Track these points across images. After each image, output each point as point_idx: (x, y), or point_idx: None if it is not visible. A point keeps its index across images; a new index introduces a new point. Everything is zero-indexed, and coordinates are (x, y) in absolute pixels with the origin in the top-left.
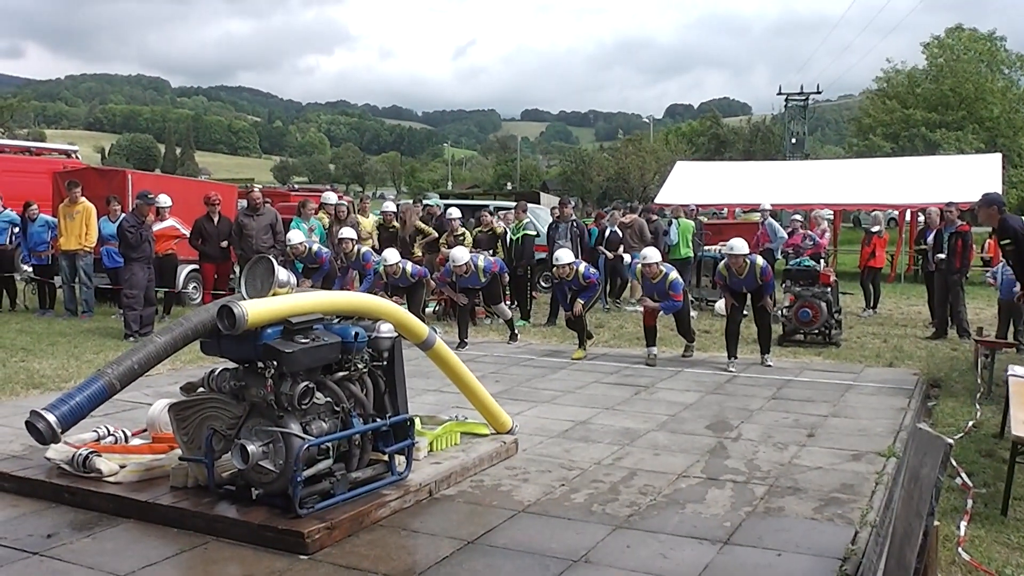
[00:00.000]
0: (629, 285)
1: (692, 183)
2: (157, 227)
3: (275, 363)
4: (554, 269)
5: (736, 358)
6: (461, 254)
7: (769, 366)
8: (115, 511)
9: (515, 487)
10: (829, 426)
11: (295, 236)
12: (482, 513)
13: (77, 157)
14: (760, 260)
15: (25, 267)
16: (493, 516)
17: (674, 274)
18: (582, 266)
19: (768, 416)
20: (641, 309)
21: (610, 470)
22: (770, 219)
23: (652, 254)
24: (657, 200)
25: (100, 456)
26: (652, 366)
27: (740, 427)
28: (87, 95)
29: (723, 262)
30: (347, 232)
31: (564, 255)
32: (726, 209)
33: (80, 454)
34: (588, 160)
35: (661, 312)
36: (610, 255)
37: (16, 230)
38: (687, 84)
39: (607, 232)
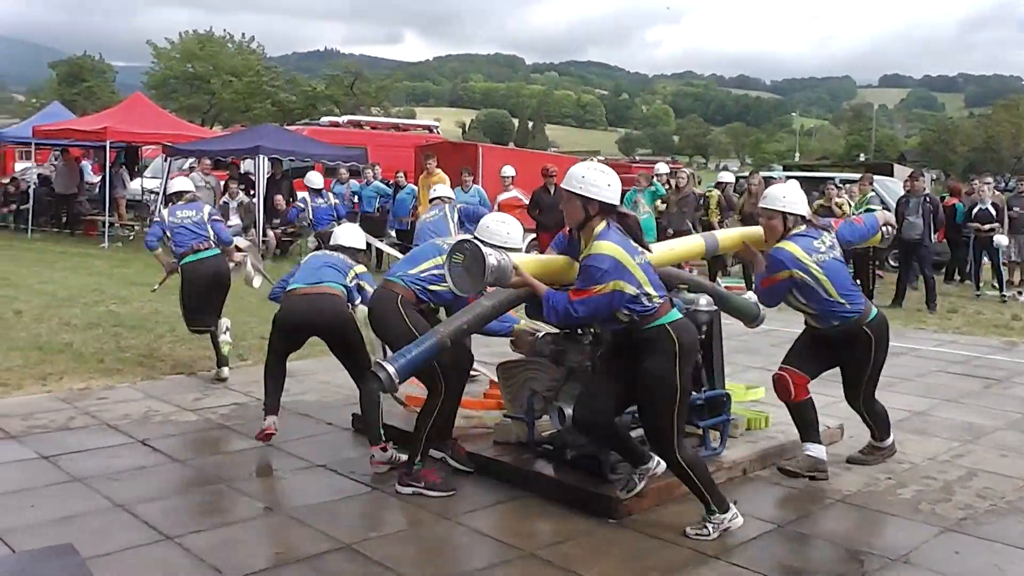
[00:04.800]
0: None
1: None
2: (501, 197)
3: (592, 331)
4: None
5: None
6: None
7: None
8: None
9: (835, 475)
10: None
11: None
12: (796, 498)
13: (438, 132)
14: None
15: (390, 232)
16: (808, 502)
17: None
18: None
19: None
20: None
21: (945, 467)
22: None
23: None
24: None
25: None
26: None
27: None
28: (451, 74)
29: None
30: None
31: None
32: None
33: None
34: (952, 129)
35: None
36: (983, 229)
37: (382, 200)
38: None
39: (976, 209)
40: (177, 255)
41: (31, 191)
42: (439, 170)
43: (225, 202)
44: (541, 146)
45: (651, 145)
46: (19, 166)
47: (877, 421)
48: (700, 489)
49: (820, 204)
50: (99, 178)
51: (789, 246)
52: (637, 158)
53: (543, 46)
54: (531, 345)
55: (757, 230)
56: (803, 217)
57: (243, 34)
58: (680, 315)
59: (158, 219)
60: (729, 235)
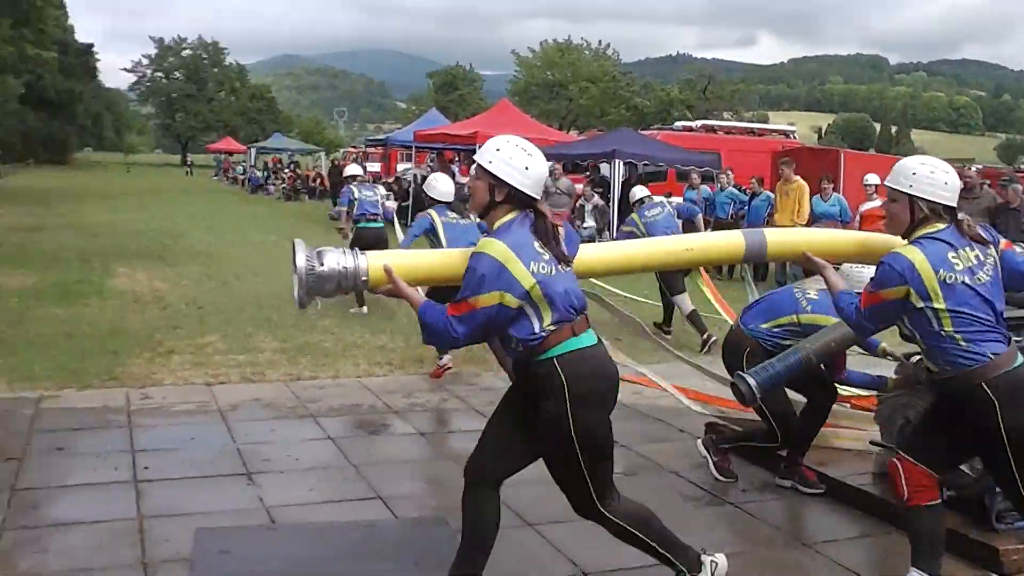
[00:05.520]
0: None
1: None
2: (864, 206)
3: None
4: None
5: None
6: None
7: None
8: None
9: None
10: None
11: None
12: None
13: (794, 137)
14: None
15: None
16: None
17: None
18: None
19: None
20: None
21: None
22: None
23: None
24: None
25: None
26: None
27: None
28: (807, 77)
29: None
30: None
31: None
32: None
33: None
34: None
35: None
36: None
37: (736, 206)
38: None
39: None
40: (355, 218)
41: (410, 190)
42: (797, 177)
43: (581, 204)
44: (906, 153)
45: None
46: (400, 167)
47: None
48: (656, 550)
49: None
50: (467, 179)
51: (911, 252)
52: (1022, 167)
53: (910, 44)
54: (909, 371)
55: (843, 237)
56: (944, 210)
57: (599, 41)
58: (585, 345)
59: (346, 192)
60: (789, 238)
